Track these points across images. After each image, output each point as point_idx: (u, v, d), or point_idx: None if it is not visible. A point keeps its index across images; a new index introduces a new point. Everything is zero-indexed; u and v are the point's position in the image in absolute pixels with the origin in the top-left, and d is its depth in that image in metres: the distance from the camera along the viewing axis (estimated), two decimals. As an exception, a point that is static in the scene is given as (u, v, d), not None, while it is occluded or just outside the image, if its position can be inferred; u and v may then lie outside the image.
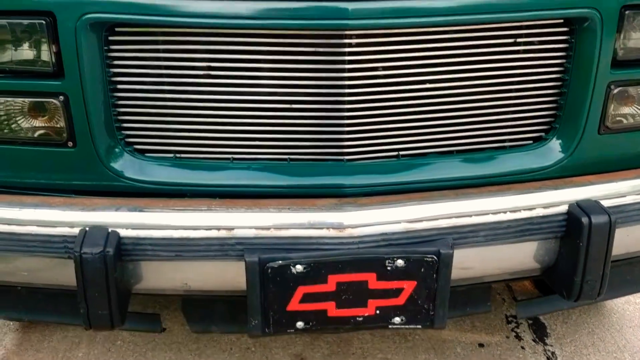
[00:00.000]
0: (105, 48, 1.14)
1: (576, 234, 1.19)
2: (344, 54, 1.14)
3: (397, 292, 1.18)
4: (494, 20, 1.15)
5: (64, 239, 1.16)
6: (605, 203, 1.22)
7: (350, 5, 1.09)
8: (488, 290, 1.40)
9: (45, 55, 1.13)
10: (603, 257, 1.20)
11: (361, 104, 1.19)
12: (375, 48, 1.15)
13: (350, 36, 1.13)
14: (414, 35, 1.15)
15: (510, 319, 2.04)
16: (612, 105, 1.25)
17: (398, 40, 1.15)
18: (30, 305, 1.41)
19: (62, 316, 1.42)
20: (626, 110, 1.28)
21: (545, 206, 1.21)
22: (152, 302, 1.90)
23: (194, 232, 1.16)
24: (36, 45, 1.13)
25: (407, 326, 1.22)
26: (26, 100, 1.17)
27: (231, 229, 1.16)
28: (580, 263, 1.20)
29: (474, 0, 1.12)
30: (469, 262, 1.22)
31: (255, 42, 1.15)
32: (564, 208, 1.21)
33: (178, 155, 1.25)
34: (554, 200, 1.22)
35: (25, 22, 1.11)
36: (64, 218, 1.17)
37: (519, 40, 1.19)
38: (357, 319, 1.20)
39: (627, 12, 1.18)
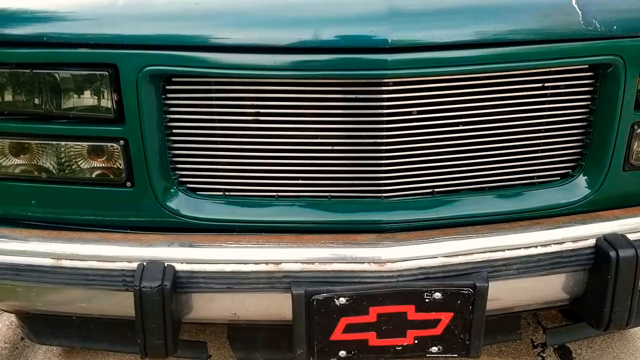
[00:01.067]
0: (163, 96, 1.24)
1: (604, 267, 1.26)
2: (382, 99, 1.23)
3: (434, 323, 1.25)
4: (523, 68, 1.23)
5: (123, 272, 1.25)
6: (631, 236, 1.28)
7: (389, 57, 1.17)
8: (518, 320, 1.47)
9: (108, 103, 1.22)
10: (630, 288, 1.26)
11: (398, 145, 1.27)
12: (411, 94, 1.23)
13: (388, 84, 1.21)
14: (448, 82, 1.24)
15: (536, 343, 2.08)
16: (636, 144, 1.32)
17: (433, 86, 1.23)
18: (83, 333, 1.50)
19: (113, 344, 1.50)
20: (649, 149, 1.35)
21: (574, 240, 1.28)
22: (195, 330, 1.97)
23: (244, 266, 1.25)
24: (100, 94, 1.22)
25: (444, 355, 1.28)
26: (89, 144, 1.27)
27: (278, 263, 1.24)
28: (609, 295, 1.26)
29: (504, 50, 1.21)
30: (502, 294, 1.29)
31: (300, 90, 1.24)
32: (591, 242, 1.28)
33: (227, 193, 1.34)
34: (582, 234, 1.28)
35: (91, 73, 1.21)
36: (122, 253, 1.26)
37: (547, 84, 1.27)
38: (397, 348, 1.27)
39: (650, 58, 1.25)
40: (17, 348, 1.94)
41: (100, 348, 1.61)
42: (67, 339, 1.54)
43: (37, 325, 1.54)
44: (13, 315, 1.99)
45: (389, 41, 1.16)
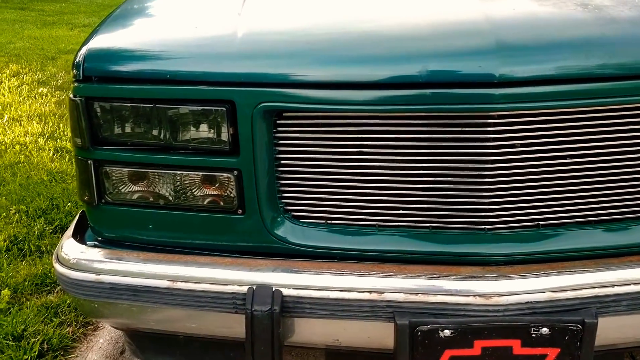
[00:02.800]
0: (274, 130, 1.30)
1: None
2: (487, 132, 1.24)
3: (540, 358, 1.24)
4: (632, 102, 1.21)
5: (234, 296, 1.31)
6: None
7: (497, 91, 1.19)
8: (621, 356, 1.43)
9: (224, 136, 1.30)
10: None
11: (502, 177, 1.27)
12: (516, 127, 1.24)
13: (494, 117, 1.23)
14: (554, 115, 1.24)
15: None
16: None
17: (539, 119, 1.24)
18: (187, 352, 1.58)
19: None
20: None
21: (689, 278, 1.24)
22: (292, 353, 2.01)
23: (347, 293, 1.28)
24: (217, 128, 1.30)
25: (549, 391, 1.26)
26: (204, 173, 1.35)
27: (382, 292, 1.27)
28: None
29: (611, 84, 1.19)
30: (610, 330, 1.26)
31: (404, 123, 1.27)
32: None
33: (329, 221, 1.38)
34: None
35: (210, 108, 1.29)
36: (233, 277, 1.33)
37: (659, 118, 1.24)
38: (500, 382, 1.26)
39: None
40: (117, 361, 2.05)
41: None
42: (171, 356, 1.61)
43: (145, 342, 1.63)
44: (113, 331, 2.12)
45: (497, 75, 1.18)
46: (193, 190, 1.38)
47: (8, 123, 3.75)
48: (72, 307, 2.11)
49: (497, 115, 1.22)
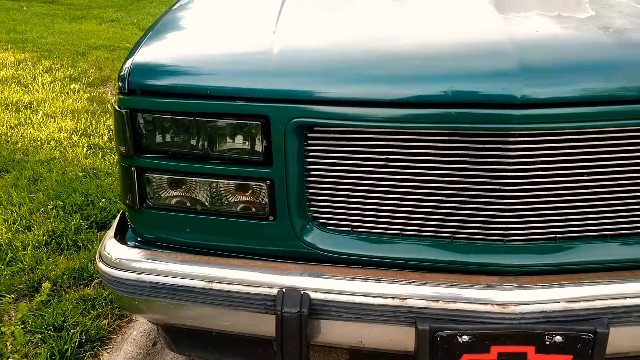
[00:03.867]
0: (305, 143, 1.39)
1: None
2: (508, 149, 1.30)
3: (554, 365, 1.31)
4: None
5: (264, 297, 1.40)
6: None
7: (518, 112, 1.25)
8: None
9: (259, 148, 1.39)
10: None
11: (521, 192, 1.34)
12: (536, 145, 1.30)
13: (515, 135, 1.29)
14: (573, 135, 1.30)
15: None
16: None
17: (558, 138, 1.30)
18: (219, 348, 1.68)
19: (245, 359, 1.67)
20: None
21: (702, 290, 1.29)
22: (317, 350, 2.11)
23: (372, 299, 1.36)
24: (252, 140, 1.39)
25: (561, 396, 1.34)
26: (239, 182, 1.44)
27: (404, 298, 1.35)
28: None
29: (627, 107, 1.25)
30: (621, 340, 1.33)
31: (428, 139, 1.34)
32: None
33: (355, 229, 1.46)
34: None
35: (246, 122, 1.38)
36: (264, 279, 1.42)
37: (674, 139, 1.30)
38: (515, 386, 1.34)
39: None
40: (149, 354, 2.16)
41: (231, 361, 1.78)
42: (203, 351, 1.72)
43: (179, 337, 1.73)
44: (146, 324, 2.23)
45: (519, 97, 1.24)
46: (228, 197, 1.48)
47: (43, 119, 3.89)
48: (108, 300, 2.23)
49: (518, 134, 1.29)
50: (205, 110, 1.40)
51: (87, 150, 3.47)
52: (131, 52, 1.56)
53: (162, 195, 1.53)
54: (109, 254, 1.57)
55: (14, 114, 3.92)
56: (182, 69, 1.46)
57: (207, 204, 1.49)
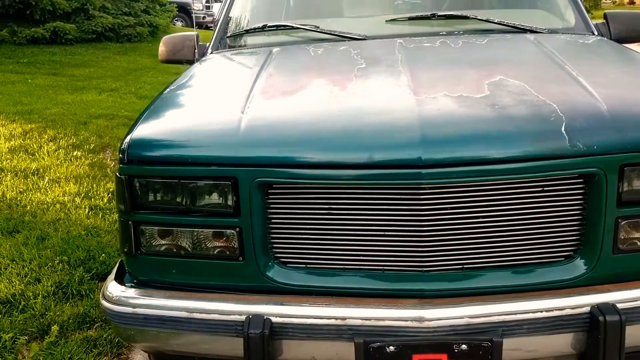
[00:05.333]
0: (266, 197, 1.77)
1: (596, 329, 1.62)
2: (420, 199, 1.69)
3: (462, 368, 1.65)
4: (526, 178, 1.66)
5: (235, 323, 1.75)
6: (620, 306, 1.64)
7: (423, 171, 1.65)
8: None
9: (230, 202, 1.77)
10: (617, 346, 1.61)
11: (435, 232, 1.72)
12: (442, 195, 1.69)
13: (424, 188, 1.68)
14: (471, 186, 1.69)
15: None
16: (621, 234, 1.70)
17: (459, 189, 1.69)
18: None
19: None
20: (634, 236, 1.72)
21: (573, 307, 1.65)
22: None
23: (320, 320, 1.72)
24: (224, 196, 1.78)
25: (471, 395, 1.67)
26: (214, 230, 1.81)
27: (345, 319, 1.70)
28: (601, 351, 1.62)
29: (512, 165, 1.65)
30: (515, 348, 1.67)
31: (359, 192, 1.73)
32: (587, 309, 1.65)
33: (308, 265, 1.83)
34: (579, 303, 1.66)
35: (220, 183, 1.77)
36: (235, 309, 1.77)
37: (545, 188, 1.69)
38: (434, 387, 1.68)
39: (625, 168, 1.65)
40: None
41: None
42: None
43: (167, 362, 2.07)
44: (146, 355, 2.55)
45: (423, 159, 1.64)
46: (206, 243, 1.85)
47: (49, 184, 4.29)
48: (108, 340, 2.56)
49: (426, 187, 1.68)
50: (187, 175, 1.79)
51: (88, 211, 3.85)
52: (129, 130, 1.96)
53: (153, 244, 1.90)
54: (110, 293, 1.92)
55: (22, 180, 4.32)
56: (169, 143, 1.86)
57: (189, 249, 1.86)
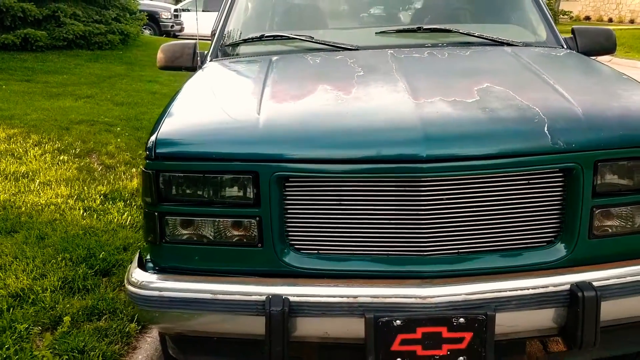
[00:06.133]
0: (284, 190, 1.97)
1: (575, 304, 1.87)
2: (421, 191, 1.91)
3: (460, 340, 1.87)
4: (515, 172, 1.90)
5: (256, 303, 1.94)
6: (595, 284, 1.89)
7: (425, 165, 1.87)
8: (524, 345, 2.07)
9: (250, 194, 1.96)
10: (594, 318, 1.85)
11: (434, 220, 1.94)
12: (441, 187, 1.92)
13: (425, 181, 1.90)
14: (467, 178, 1.92)
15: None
16: (596, 221, 1.95)
17: (457, 181, 1.91)
18: (216, 350, 2.18)
19: (239, 359, 2.17)
20: (607, 223, 1.97)
21: (555, 285, 1.90)
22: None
23: (333, 299, 1.92)
24: (245, 189, 1.97)
25: (467, 363, 1.89)
26: (236, 219, 2.00)
27: (356, 297, 1.91)
28: (580, 323, 1.86)
29: (503, 160, 1.88)
30: (506, 322, 1.90)
31: (368, 184, 1.94)
32: (567, 287, 1.89)
33: (320, 251, 2.03)
34: (560, 282, 1.90)
35: (242, 176, 1.95)
36: (256, 290, 1.95)
37: (531, 181, 1.93)
38: (435, 357, 1.89)
39: (599, 164, 1.91)
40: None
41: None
42: (205, 354, 2.21)
43: (185, 344, 2.23)
44: (149, 349, 2.69)
45: (424, 156, 1.86)
46: (227, 231, 2.03)
47: (40, 187, 4.37)
48: (117, 330, 2.69)
49: (427, 180, 1.90)
50: (212, 169, 1.98)
51: (83, 212, 3.96)
52: (153, 129, 2.13)
53: (177, 233, 2.07)
54: (135, 279, 2.08)
55: (13, 183, 4.39)
56: (193, 140, 2.05)
57: (211, 237, 2.04)
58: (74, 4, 12.91)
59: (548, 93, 2.15)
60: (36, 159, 5.02)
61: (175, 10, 22.31)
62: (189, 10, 22.30)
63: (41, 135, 5.74)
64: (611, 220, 1.98)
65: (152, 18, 20.47)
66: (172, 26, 21.71)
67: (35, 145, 5.42)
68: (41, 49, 12.10)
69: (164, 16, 21.65)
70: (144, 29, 19.01)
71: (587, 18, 36.21)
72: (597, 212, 1.95)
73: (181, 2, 25.13)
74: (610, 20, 34.04)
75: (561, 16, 32.31)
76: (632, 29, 25.21)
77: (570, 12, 35.69)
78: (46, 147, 5.39)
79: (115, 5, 14.18)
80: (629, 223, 1.99)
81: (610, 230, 1.99)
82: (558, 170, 1.93)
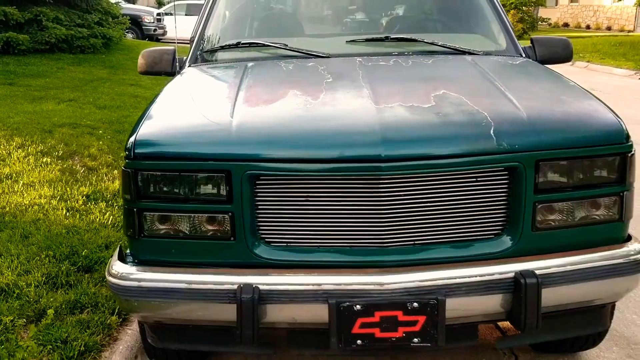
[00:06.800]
0: (254, 187, 2.13)
1: (519, 290, 2.06)
2: (380, 188, 2.09)
3: (415, 323, 2.06)
4: (463, 170, 2.09)
5: (228, 291, 2.10)
6: (538, 272, 2.08)
7: (383, 164, 2.05)
8: (475, 328, 2.26)
9: (224, 192, 2.13)
10: (535, 303, 2.05)
11: (392, 215, 2.12)
12: (397, 184, 2.10)
13: (384, 179, 2.08)
14: (421, 175, 2.10)
15: (508, 365, 2.81)
16: (538, 215, 2.15)
17: (412, 179, 2.10)
18: (191, 337, 2.34)
19: (211, 345, 2.34)
20: (549, 217, 2.17)
21: (500, 273, 2.09)
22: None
23: (299, 286, 2.09)
24: (218, 187, 2.13)
25: (421, 345, 2.08)
26: (210, 215, 2.16)
27: (320, 285, 2.08)
28: (523, 307, 2.06)
29: (453, 160, 2.07)
30: (457, 306, 2.09)
31: (331, 182, 2.12)
32: (511, 275, 2.08)
33: (289, 244, 2.20)
34: (505, 270, 2.09)
35: (216, 175, 2.12)
36: (228, 280, 2.12)
37: (479, 178, 2.13)
38: (392, 339, 2.07)
39: (540, 163, 2.11)
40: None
41: (202, 348, 2.43)
42: (181, 341, 2.37)
43: (163, 332, 2.39)
44: (129, 340, 2.84)
45: (382, 155, 2.05)
46: (202, 226, 2.19)
47: (24, 188, 4.49)
48: (99, 322, 2.84)
49: (386, 178, 2.08)
50: (187, 168, 2.14)
51: (66, 212, 4.09)
52: (132, 131, 2.29)
53: (154, 228, 2.22)
54: (116, 271, 2.24)
55: (-3, 184, 4.50)
56: (170, 141, 2.21)
57: (187, 232, 2.20)
58: (57, 7, 12.95)
59: (498, 99, 2.35)
60: (20, 161, 5.13)
61: (158, 14, 22.38)
62: (171, 14, 22.38)
63: (24, 138, 5.84)
64: (552, 214, 2.18)
65: (135, 22, 20.52)
66: (154, 30, 21.79)
67: (19, 148, 5.53)
68: (23, 52, 12.13)
69: (146, 20, 21.71)
70: (127, 32, 19.05)
71: (566, 25, 36.90)
72: (539, 207, 2.15)
73: (164, 6, 25.18)
74: (588, 27, 34.74)
75: (540, 23, 32.90)
76: (609, 36, 25.80)
77: (549, 19, 36.30)
78: (29, 150, 5.49)
79: (98, 10, 14.23)
80: (569, 217, 2.19)
81: (552, 224, 2.19)
82: (503, 168, 2.13)
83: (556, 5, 38.30)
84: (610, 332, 3.05)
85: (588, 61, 17.14)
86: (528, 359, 2.88)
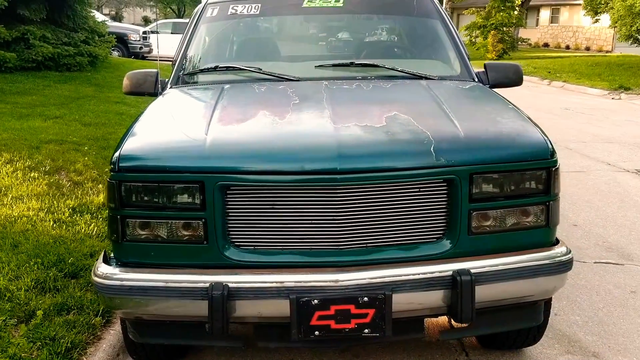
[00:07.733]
0: (225, 196, 2.42)
1: (456, 286, 2.36)
2: (337, 196, 2.39)
3: (365, 315, 2.34)
4: (406, 182, 2.40)
5: (201, 289, 2.37)
6: (473, 271, 2.39)
7: (339, 176, 2.35)
8: (421, 322, 2.55)
9: (197, 200, 2.41)
10: (470, 298, 2.35)
11: (347, 221, 2.42)
12: (352, 192, 2.40)
13: (339, 188, 2.38)
14: (372, 186, 2.40)
15: (458, 360, 3.10)
16: (473, 221, 2.46)
17: (365, 189, 2.40)
18: (168, 331, 2.60)
19: (187, 339, 2.60)
20: (483, 223, 2.48)
21: (440, 272, 2.39)
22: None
23: (264, 284, 2.37)
24: (193, 196, 2.41)
25: (372, 334, 2.36)
26: (185, 221, 2.44)
27: (282, 282, 2.36)
28: (459, 301, 2.35)
29: (397, 173, 2.38)
30: (403, 301, 2.38)
31: (294, 192, 2.41)
32: (450, 273, 2.38)
33: (256, 247, 2.48)
34: (444, 269, 2.39)
35: (190, 185, 2.40)
36: (201, 278, 2.39)
37: (422, 189, 2.43)
38: (346, 330, 2.36)
39: (474, 176, 2.42)
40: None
41: (178, 342, 2.69)
42: (158, 337, 2.64)
43: (143, 327, 2.65)
44: (112, 339, 3.09)
45: (338, 169, 2.35)
46: (178, 231, 2.47)
47: (13, 201, 4.72)
48: (85, 323, 3.08)
49: (341, 188, 2.38)
50: (165, 180, 2.42)
51: (53, 224, 4.33)
52: (117, 146, 2.57)
53: (136, 233, 2.50)
54: (101, 272, 2.50)
55: (-13, 197, 4.73)
56: (150, 156, 2.49)
57: (165, 236, 2.48)
58: (44, 26, 13.21)
59: (441, 119, 2.67)
60: (8, 176, 5.36)
61: (144, 32, 22.69)
62: (157, 32, 22.70)
63: (12, 154, 6.07)
64: (486, 220, 2.49)
65: (121, 40, 20.82)
66: (140, 48, 22.08)
67: (7, 163, 5.76)
68: (10, 70, 12.35)
69: (132, 38, 22.01)
70: (113, 50, 19.32)
71: (546, 45, 37.83)
72: (474, 214, 2.46)
73: (150, 24, 25.47)
74: (568, 47, 35.67)
75: (520, 43, 33.70)
76: (587, 56, 26.58)
77: (529, 39, 37.13)
78: (17, 165, 5.72)
79: (84, 28, 14.50)
80: (501, 223, 2.50)
81: (486, 229, 2.50)
82: (442, 180, 2.44)
83: (536, 25, 39.28)
84: (553, 332, 3.37)
85: (564, 81, 17.72)
86: (477, 354, 3.17)
